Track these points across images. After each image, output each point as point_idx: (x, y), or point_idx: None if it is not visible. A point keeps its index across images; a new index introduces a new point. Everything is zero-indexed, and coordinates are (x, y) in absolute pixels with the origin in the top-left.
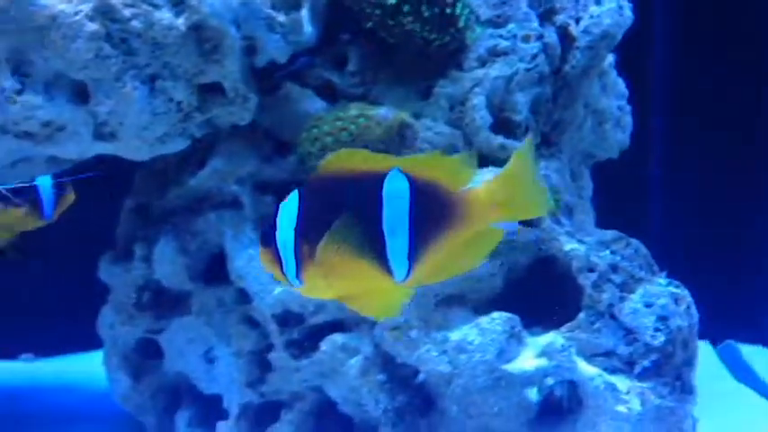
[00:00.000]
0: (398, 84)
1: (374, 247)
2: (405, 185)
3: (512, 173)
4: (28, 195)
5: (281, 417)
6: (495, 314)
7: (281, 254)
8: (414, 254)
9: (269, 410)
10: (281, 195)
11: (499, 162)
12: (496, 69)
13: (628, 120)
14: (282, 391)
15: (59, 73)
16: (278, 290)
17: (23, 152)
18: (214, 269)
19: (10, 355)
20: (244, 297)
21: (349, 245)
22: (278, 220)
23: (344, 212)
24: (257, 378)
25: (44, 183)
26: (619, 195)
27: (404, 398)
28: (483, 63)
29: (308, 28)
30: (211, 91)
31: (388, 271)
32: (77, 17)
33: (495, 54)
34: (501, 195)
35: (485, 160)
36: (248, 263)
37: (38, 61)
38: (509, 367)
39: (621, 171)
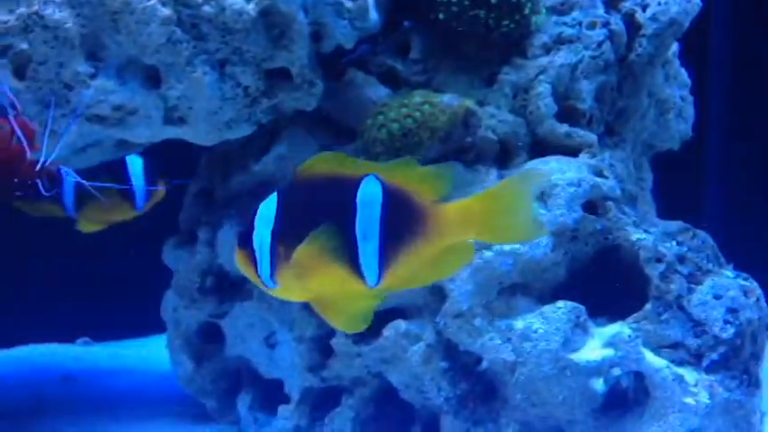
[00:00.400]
0: (461, 71)
1: (347, 252)
2: (378, 192)
3: (493, 195)
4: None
5: (342, 402)
6: (560, 303)
7: (257, 255)
8: (384, 260)
9: (330, 395)
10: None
11: (564, 151)
12: (561, 57)
13: (690, 110)
14: (343, 376)
15: (132, 57)
16: None
17: (94, 136)
18: None
19: (67, 338)
20: None
21: (324, 249)
22: (255, 220)
23: (320, 217)
24: (318, 363)
25: (136, 174)
26: (677, 186)
27: (466, 386)
28: (548, 50)
29: (373, 14)
30: (278, 76)
31: (361, 276)
32: (150, 2)
33: (559, 41)
34: (475, 215)
35: (549, 149)
36: None
37: (111, 46)
38: (574, 357)
39: (680, 161)
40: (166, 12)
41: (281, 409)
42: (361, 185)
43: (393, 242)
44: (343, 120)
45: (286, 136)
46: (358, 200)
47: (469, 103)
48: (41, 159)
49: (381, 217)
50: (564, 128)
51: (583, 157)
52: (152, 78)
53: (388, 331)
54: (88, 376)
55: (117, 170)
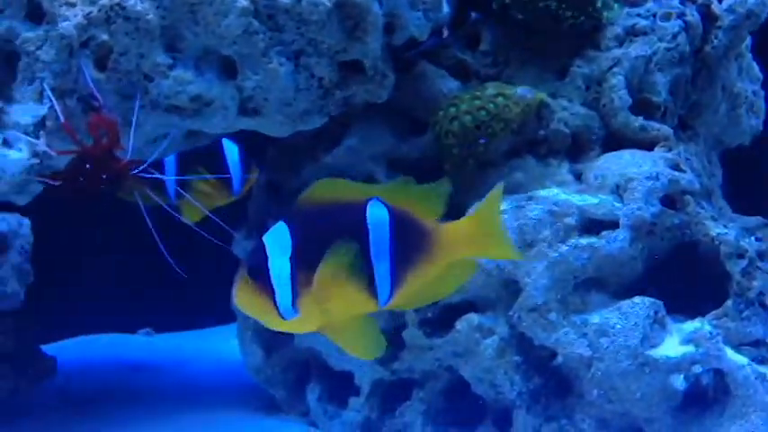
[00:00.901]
0: (531, 64)
1: (363, 273)
2: (385, 214)
3: (480, 213)
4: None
5: (413, 395)
6: (638, 298)
7: (275, 285)
8: (394, 279)
9: (400, 388)
10: (413, 174)
11: (638, 144)
12: (636, 49)
13: (761, 105)
14: (414, 369)
15: (209, 48)
16: None
17: (170, 126)
18: None
19: (129, 329)
20: None
21: (344, 270)
22: (268, 251)
23: (336, 240)
24: (389, 356)
25: (233, 160)
26: (742, 182)
27: (539, 380)
28: (621, 42)
29: (445, 6)
30: (350, 68)
31: (374, 296)
32: None
33: (633, 33)
34: (468, 233)
35: (623, 142)
36: None
37: (189, 37)
38: (653, 353)
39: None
40: (244, 3)
41: (352, 401)
42: (369, 208)
43: (402, 262)
44: (413, 112)
45: (357, 128)
46: (368, 222)
47: (543, 96)
48: (121, 152)
49: (390, 238)
50: (639, 121)
51: (658, 151)
52: (228, 69)
53: (460, 324)
54: (153, 366)
55: (214, 157)
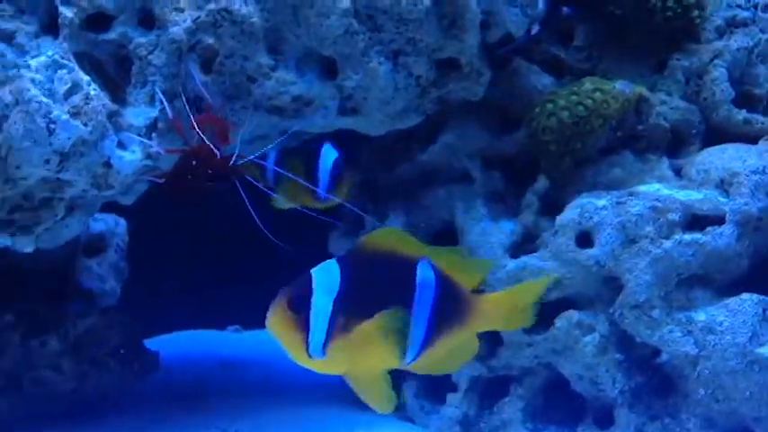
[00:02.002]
0: (627, 58)
1: (405, 334)
2: (431, 276)
3: (519, 292)
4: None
5: (511, 392)
6: (746, 295)
7: (312, 322)
8: (426, 341)
9: (498, 385)
10: (508, 171)
11: (742, 138)
12: (737, 41)
13: None
14: (512, 365)
15: (310, 49)
16: (511, 264)
17: (271, 127)
18: (437, 244)
19: (219, 326)
20: None
21: (390, 330)
22: (314, 286)
23: (384, 293)
24: (487, 352)
25: (324, 167)
26: None
27: (641, 378)
28: (721, 34)
29: (541, 2)
30: (446, 66)
31: (403, 354)
32: None
33: (733, 25)
34: (506, 307)
35: (725, 136)
36: (481, 237)
37: (291, 39)
38: (763, 351)
39: None
40: (346, 4)
41: (450, 397)
42: (419, 268)
43: (439, 325)
44: (508, 109)
45: (453, 125)
46: (417, 282)
47: (643, 90)
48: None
49: (434, 300)
50: (742, 114)
51: (763, 144)
52: (328, 69)
53: (560, 321)
54: (243, 362)
55: (310, 158)
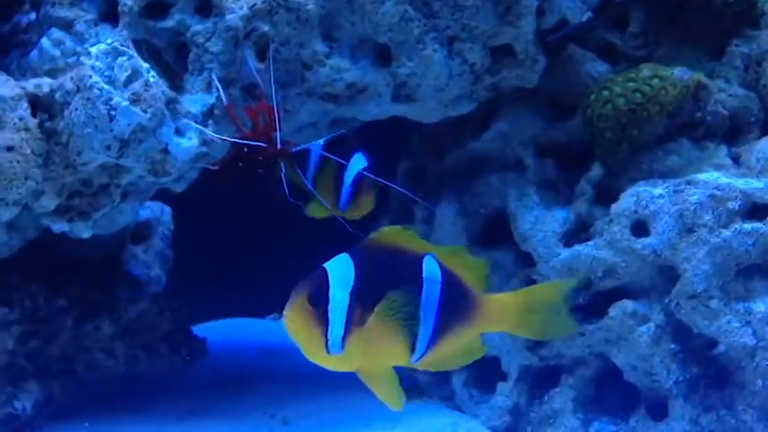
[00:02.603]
0: (685, 44)
1: (413, 324)
2: (438, 272)
3: (533, 294)
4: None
5: (562, 381)
6: None
7: (331, 315)
8: (434, 338)
9: (548, 374)
10: (560, 159)
11: None
12: None
13: None
14: (564, 355)
15: (364, 36)
16: (565, 253)
17: (323, 114)
18: (489, 232)
19: (261, 314)
20: (526, 260)
21: (399, 315)
22: (331, 280)
23: (394, 284)
24: (537, 341)
25: (347, 179)
26: None
27: (697, 369)
28: None
29: None
30: (501, 53)
31: (411, 350)
32: None
33: None
34: (514, 309)
35: None
36: (534, 225)
37: (345, 26)
38: None
39: None
40: None
41: (501, 386)
42: (425, 263)
43: (446, 322)
44: (561, 96)
45: (507, 113)
46: (424, 276)
47: (701, 77)
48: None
49: (440, 296)
50: None
51: None
52: (382, 56)
53: (614, 311)
54: (285, 350)
55: (340, 168)
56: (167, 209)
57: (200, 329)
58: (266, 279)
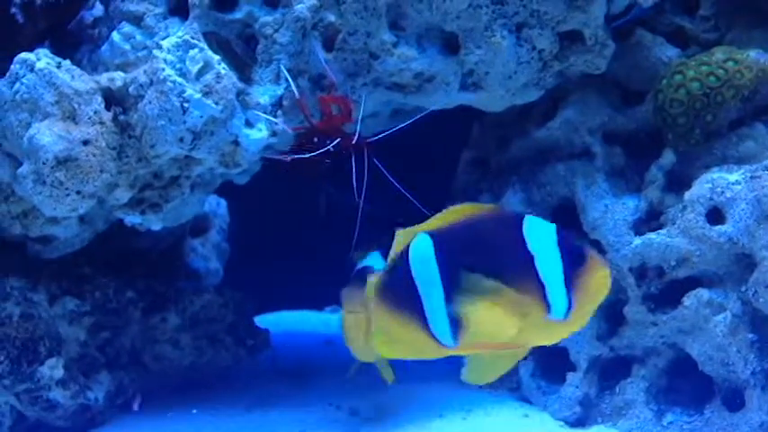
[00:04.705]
0: (757, 26)
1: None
2: (546, 231)
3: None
4: None
5: (633, 372)
6: None
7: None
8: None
9: (619, 365)
10: (628, 147)
11: None
12: None
13: None
14: (635, 345)
15: (431, 25)
16: (637, 241)
17: (389, 104)
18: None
19: (318, 307)
20: (596, 249)
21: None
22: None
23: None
24: (607, 331)
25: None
26: None
27: None
28: None
29: None
30: (569, 39)
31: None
32: None
33: None
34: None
35: None
36: (603, 214)
37: (412, 14)
38: None
39: None
40: None
41: (570, 376)
42: (526, 224)
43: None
44: (629, 82)
45: (574, 100)
46: (527, 240)
47: None
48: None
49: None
50: None
51: None
52: (449, 45)
53: (689, 300)
54: (341, 340)
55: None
56: (223, 202)
57: (259, 321)
58: (320, 272)
